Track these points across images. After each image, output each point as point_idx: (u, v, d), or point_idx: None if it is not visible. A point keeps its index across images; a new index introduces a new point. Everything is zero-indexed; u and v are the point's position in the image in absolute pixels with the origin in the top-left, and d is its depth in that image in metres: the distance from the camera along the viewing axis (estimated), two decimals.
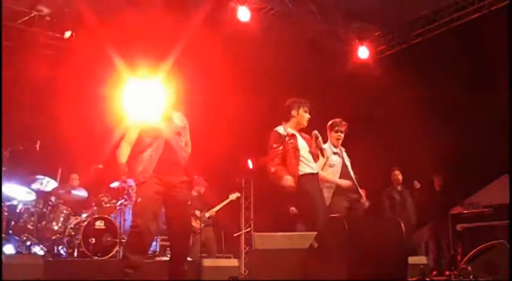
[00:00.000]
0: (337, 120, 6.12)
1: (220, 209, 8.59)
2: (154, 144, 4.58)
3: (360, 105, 9.38)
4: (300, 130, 5.50)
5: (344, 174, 5.87)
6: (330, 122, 6.11)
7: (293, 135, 5.36)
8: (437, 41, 8.85)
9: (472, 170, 7.95)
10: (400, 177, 8.53)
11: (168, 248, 8.16)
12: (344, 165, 5.94)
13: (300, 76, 10.55)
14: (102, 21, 8.43)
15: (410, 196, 8.45)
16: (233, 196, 8.73)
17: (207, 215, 8.24)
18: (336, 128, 6.03)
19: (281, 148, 5.24)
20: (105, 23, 8.51)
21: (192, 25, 7.74)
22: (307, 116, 5.47)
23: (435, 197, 8.19)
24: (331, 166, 5.87)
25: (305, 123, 5.48)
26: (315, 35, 8.86)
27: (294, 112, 5.45)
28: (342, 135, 6.02)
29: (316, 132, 5.42)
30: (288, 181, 5.10)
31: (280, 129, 5.36)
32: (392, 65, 9.11)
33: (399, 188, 8.55)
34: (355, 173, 6.14)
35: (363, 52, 9.02)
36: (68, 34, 8.38)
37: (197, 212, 8.16)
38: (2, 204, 6.61)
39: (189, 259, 7.57)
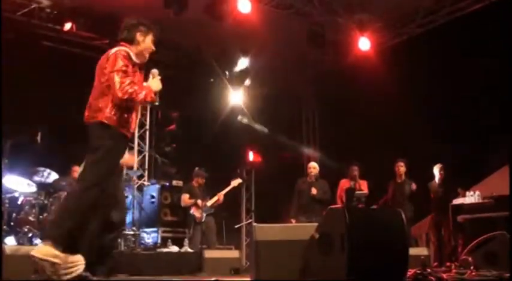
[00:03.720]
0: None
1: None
2: None
3: (362, 96, 9.38)
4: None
5: None
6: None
7: (141, 67, 4.05)
8: (438, 32, 8.82)
9: (473, 161, 7.95)
10: (402, 169, 8.48)
11: (169, 240, 8.21)
12: None
13: (300, 68, 10.55)
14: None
15: (411, 188, 8.43)
16: (235, 182, 8.59)
17: (208, 204, 8.22)
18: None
19: (131, 70, 3.87)
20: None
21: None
22: (152, 48, 4.10)
23: (436, 188, 8.18)
24: None
25: (147, 57, 4.09)
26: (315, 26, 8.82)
27: (140, 36, 4.01)
28: None
29: (155, 70, 4.08)
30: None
31: (130, 53, 3.94)
32: (394, 56, 9.08)
33: (401, 179, 8.53)
34: None
35: (364, 43, 8.96)
36: (68, 26, 8.35)
37: (199, 201, 8.16)
38: (3, 196, 6.62)
39: (189, 250, 7.63)
